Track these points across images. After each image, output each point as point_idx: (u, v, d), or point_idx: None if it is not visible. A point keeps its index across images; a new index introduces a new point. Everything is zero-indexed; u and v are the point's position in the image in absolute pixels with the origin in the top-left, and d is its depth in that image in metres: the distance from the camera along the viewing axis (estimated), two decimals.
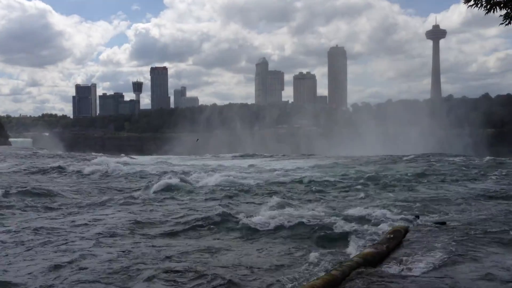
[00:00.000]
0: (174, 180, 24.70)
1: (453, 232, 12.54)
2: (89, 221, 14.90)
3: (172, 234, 13.26)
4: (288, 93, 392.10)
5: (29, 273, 9.64)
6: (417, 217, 14.72)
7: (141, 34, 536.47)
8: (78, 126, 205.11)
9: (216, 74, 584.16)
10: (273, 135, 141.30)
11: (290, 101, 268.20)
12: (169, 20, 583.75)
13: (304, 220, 14.36)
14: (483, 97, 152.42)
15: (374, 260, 9.33)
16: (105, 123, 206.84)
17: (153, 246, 11.83)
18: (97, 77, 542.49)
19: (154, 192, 21.88)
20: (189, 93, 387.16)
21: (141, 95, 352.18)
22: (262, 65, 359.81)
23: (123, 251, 11.23)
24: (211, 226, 14.12)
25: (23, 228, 13.67)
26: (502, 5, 9.75)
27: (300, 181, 26.55)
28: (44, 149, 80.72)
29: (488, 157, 47.35)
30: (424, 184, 25.75)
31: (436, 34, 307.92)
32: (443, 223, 13.91)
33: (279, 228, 13.69)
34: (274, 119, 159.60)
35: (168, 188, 22.91)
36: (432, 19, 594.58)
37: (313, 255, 10.72)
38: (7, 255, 10.95)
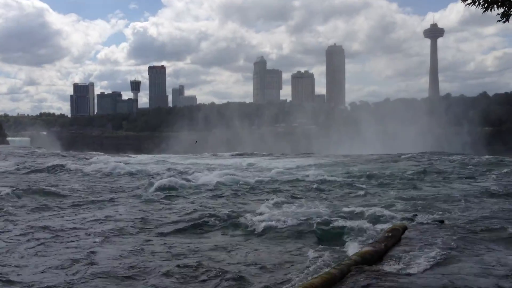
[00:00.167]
0: (174, 179, 24.77)
1: (451, 230, 12.58)
2: (98, 219, 15.06)
3: (174, 232, 13.33)
4: (286, 92, 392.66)
5: (42, 271, 9.78)
6: (415, 215, 14.75)
7: (139, 32, 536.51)
8: (76, 125, 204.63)
9: (214, 73, 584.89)
10: (271, 134, 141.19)
11: (288, 100, 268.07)
12: (167, 18, 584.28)
13: (302, 218, 14.39)
14: (481, 96, 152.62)
15: (372, 258, 9.34)
16: (103, 122, 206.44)
17: (162, 243, 11.99)
18: (95, 76, 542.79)
19: (156, 191, 21.91)
20: (187, 92, 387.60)
21: (139, 94, 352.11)
22: (260, 64, 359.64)
23: (133, 248, 11.44)
24: (211, 225, 14.18)
25: (33, 226, 13.90)
26: (499, 3, 9.77)
27: (299, 180, 26.56)
28: (42, 148, 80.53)
29: (487, 156, 47.48)
30: (423, 182, 25.81)
31: (434, 32, 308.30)
32: (441, 221, 13.95)
33: (277, 226, 13.72)
34: (272, 118, 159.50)
35: (168, 186, 22.95)
36: (430, 18, 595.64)
37: (312, 253, 10.74)
38: (19, 252, 11.11)
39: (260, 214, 15.30)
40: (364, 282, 8.01)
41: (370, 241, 11.20)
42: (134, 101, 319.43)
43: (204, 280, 9.13)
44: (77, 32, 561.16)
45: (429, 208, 16.73)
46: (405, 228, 12.33)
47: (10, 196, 19.44)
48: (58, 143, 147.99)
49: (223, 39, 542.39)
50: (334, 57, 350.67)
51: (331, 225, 13.31)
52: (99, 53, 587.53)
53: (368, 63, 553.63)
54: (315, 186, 24.09)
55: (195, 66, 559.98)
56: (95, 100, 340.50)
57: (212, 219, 14.71)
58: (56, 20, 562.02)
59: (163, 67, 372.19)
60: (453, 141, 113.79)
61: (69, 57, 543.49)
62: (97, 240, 12.21)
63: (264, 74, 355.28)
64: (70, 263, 10.16)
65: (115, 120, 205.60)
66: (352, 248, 11.23)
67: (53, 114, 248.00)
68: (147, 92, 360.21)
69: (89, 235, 12.88)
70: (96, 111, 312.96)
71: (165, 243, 12.03)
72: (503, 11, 9.92)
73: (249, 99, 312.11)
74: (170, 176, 25.72)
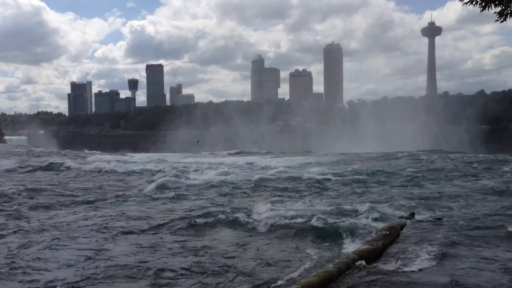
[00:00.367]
0: (173, 178, 25.01)
1: (449, 227, 12.63)
2: (103, 217, 15.25)
3: (175, 231, 13.39)
4: (284, 90, 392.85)
5: (58, 267, 9.96)
6: (413, 214, 14.79)
7: (137, 31, 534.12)
8: (74, 124, 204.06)
9: (212, 72, 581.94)
10: (269, 132, 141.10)
11: (286, 98, 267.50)
12: (164, 17, 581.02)
13: (299, 216, 14.42)
14: (479, 94, 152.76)
15: (370, 256, 9.37)
16: (101, 120, 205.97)
17: (166, 241, 12.12)
18: (92, 74, 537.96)
19: (155, 190, 22.07)
20: (185, 91, 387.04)
21: (137, 92, 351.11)
22: (258, 62, 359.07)
23: (141, 245, 11.65)
24: (211, 223, 14.20)
25: (45, 224, 14.17)
26: (497, 2, 9.77)
27: (298, 178, 26.61)
28: (40, 147, 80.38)
29: (485, 154, 47.69)
30: (421, 180, 25.87)
31: (432, 31, 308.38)
32: (439, 219, 14.00)
33: (275, 224, 13.76)
34: (270, 116, 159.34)
35: (167, 185, 23.14)
36: (427, 16, 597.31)
37: (310, 252, 10.78)
38: (35, 248, 11.33)
39: (259, 212, 15.37)
40: (361, 280, 8.04)
41: (368, 239, 11.24)
42: (132, 99, 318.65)
43: (200, 278, 9.14)
44: (74, 31, 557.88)
45: (427, 206, 16.80)
46: (402, 226, 12.38)
47: (19, 195, 19.76)
48: (56, 142, 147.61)
49: (221, 38, 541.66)
50: (332, 56, 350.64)
51: (329, 223, 13.35)
52: (96, 51, 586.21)
53: (366, 62, 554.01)
54: (313, 184, 24.13)
55: (193, 65, 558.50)
56: (93, 99, 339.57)
57: (211, 217, 14.76)
58: (53, 18, 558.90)
59: (160, 66, 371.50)
60: (451, 139, 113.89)
61: (67, 56, 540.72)
62: (108, 237, 12.47)
63: (262, 73, 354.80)
64: (84, 259, 10.37)
65: (112, 119, 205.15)
66: (350, 246, 11.27)
67: (51, 113, 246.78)
68: (145, 90, 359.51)
69: (99, 232, 13.09)
70: (93, 109, 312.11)
71: (168, 241, 12.15)
72: (501, 10, 9.92)
73: (247, 98, 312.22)
74: (169, 175, 25.85)
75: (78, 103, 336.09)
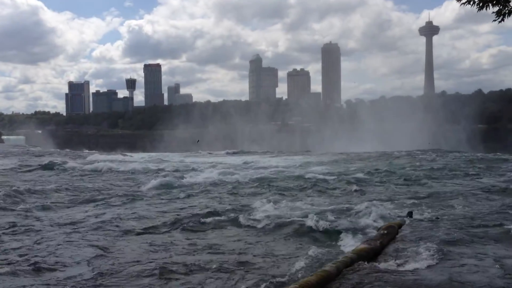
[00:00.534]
0: (171, 177, 25.23)
1: (447, 226, 12.65)
2: (113, 216, 15.45)
3: (174, 230, 13.47)
4: (282, 90, 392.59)
5: (72, 263, 10.16)
6: (411, 213, 14.81)
7: (134, 30, 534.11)
8: (71, 124, 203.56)
9: (210, 71, 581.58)
10: (267, 132, 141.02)
11: (284, 98, 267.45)
12: (162, 16, 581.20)
13: (297, 215, 14.46)
14: (476, 93, 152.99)
15: (368, 255, 9.39)
16: (99, 120, 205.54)
17: (165, 240, 12.19)
18: (90, 74, 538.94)
19: (153, 189, 22.21)
20: (183, 90, 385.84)
21: (135, 92, 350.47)
22: (255, 61, 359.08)
23: (145, 244, 11.79)
24: (209, 223, 14.24)
25: (54, 222, 14.39)
26: (494, 1, 9.78)
27: (296, 177, 26.65)
28: (37, 146, 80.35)
29: (482, 153, 47.76)
30: (419, 179, 25.94)
31: (429, 30, 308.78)
32: (437, 218, 14.03)
33: (274, 224, 13.79)
34: (268, 115, 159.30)
35: (166, 185, 23.31)
36: (425, 16, 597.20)
37: (308, 251, 10.77)
38: (49, 245, 11.58)
39: (258, 211, 15.42)
40: (359, 279, 8.06)
41: (366, 238, 11.25)
42: (130, 99, 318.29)
43: (201, 276, 9.14)
44: (72, 30, 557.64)
45: (425, 205, 16.83)
46: (400, 225, 12.40)
47: (26, 194, 20.01)
48: (53, 141, 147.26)
49: (219, 37, 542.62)
50: (330, 55, 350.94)
51: (327, 222, 13.37)
52: (94, 51, 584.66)
53: (364, 61, 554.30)
54: (312, 183, 24.18)
55: (190, 64, 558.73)
56: (90, 99, 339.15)
57: (212, 216, 14.84)
58: (50, 18, 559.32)
59: (158, 65, 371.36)
60: (449, 138, 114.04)
61: (64, 55, 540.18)
62: (114, 235, 12.71)
63: (260, 72, 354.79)
64: (95, 256, 10.58)
65: (110, 119, 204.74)
66: (348, 245, 11.29)
67: (48, 112, 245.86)
68: (143, 90, 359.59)
69: (107, 230, 13.28)
70: (91, 109, 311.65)
71: (173, 239, 12.29)
72: (498, 10, 9.93)
73: (245, 97, 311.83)
74: (169, 175, 26.06)
75: (75, 102, 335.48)
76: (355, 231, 12.64)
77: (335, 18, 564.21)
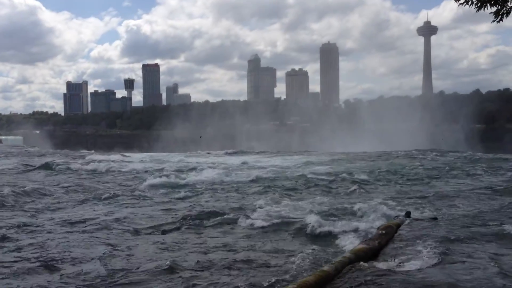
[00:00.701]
0: (169, 178, 25.29)
1: (445, 226, 12.66)
2: (119, 215, 15.58)
3: (171, 231, 13.45)
4: (280, 90, 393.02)
5: (87, 259, 10.33)
6: (409, 213, 14.80)
7: (133, 30, 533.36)
8: (69, 124, 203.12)
9: (208, 71, 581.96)
10: (266, 132, 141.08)
11: (282, 98, 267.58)
12: (160, 16, 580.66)
13: (296, 215, 14.47)
14: (474, 93, 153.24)
15: (366, 256, 9.39)
16: (97, 120, 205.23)
17: (163, 241, 12.11)
18: (88, 74, 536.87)
19: (151, 189, 22.28)
20: (181, 90, 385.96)
21: (133, 92, 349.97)
22: (254, 61, 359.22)
23: (145, 244, 11.86)
24: (207, 223, 14.21)
25: (63, 221, 14.52)
26: (492, 2, 9.79)
27: (294, 177, 26.64)
28: (35, 147, 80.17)
29: (482, 153, 47.84)
30: (418, 179, 25.99)
31: (428, 30, 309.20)
32: (435, 218, 14.03)
33: (273, 223, 13.79)
34: (266, 115, 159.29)
35: (164, 185, 23.36)
36: (423, 16, 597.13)
37: (306, 251, 10.77)
38: (60, 244, 11.67)
39: (256, 211, 15.43)
40: (358, 279, 8.06)
41: (365, 238, 11.25)
42: (128, 99, 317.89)
43: (195, 277, 9.13)
44: (70, 30, 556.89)
45: (423, 205, 16.84)
46: (398, 225, 12.40)
47: (33, 193, 20.16)
48: (51, 141, 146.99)
49: (217, 37, 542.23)
50: (328, 55, 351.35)
51: (325, 222, 13.36)
52: (92, 51, 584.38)
53: (362, 61, 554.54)
54: (310, 183, 24.19)
55: (189, 64, 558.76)
56: (89, 99, 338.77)
57: (209, 217, 14.83)
58: (48, 18, 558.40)
59: (157, 65, 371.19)
60: (447, 138, 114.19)
61: (62, 55, 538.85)
62: (130, 235, 12.83)
63: (258, 72, 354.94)
64: (105, 254, 10.72)
65: (109, 119, 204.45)
66: (347, 245, 11.28)
67: (46, 112, 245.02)
68: (141, 90, 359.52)
69: (122, 231, 13.36)
70: (89, 109, 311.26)
71: (170, 239, 12.35)
72: (496, 10, 9.94)
73: (243, 97, 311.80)
74: (168, 175, 26.06)
75: (73, 102, 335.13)
76: (353, 231, 12.64)
77: (333, 18, 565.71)
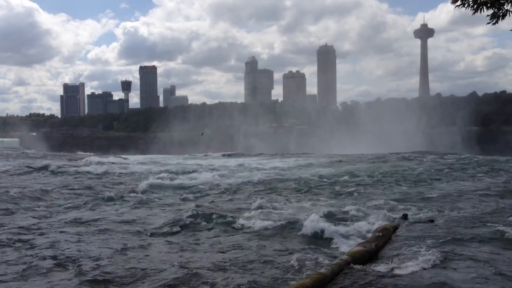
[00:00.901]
0: (166, 180, 25.25)
1: (442, 229, 12.67)
2: (117, 217, 15.73)
3: (167, 233, 13.36)
4: (277, 92, 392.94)
5: (98, 258, 10.51)
6: (406, 215, 14.83)
7: (130, 32, 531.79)
8: (66, 126, 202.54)
9: (205, 73, 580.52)
10: (263, 134, 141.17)
11: (279, 100, 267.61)
12: (158, 18, 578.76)
13: (293, 218, 14.44)
14: (471, 96, 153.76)
15: (363, 258, 9.39)
16: (94, 122, 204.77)
17: (161, 243, 12.02)
18: (85, 76, 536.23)
19: (147, 192, 22.17)
20: (179, 92, 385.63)
21: (130, 94, 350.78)
22: (251, 63, 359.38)
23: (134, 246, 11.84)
24: (203, 225, 14.19)
25: (72, 221, 14.79)
26: (489, 4, 9.83)
27: (291, 180, 26.62)
28: (32, 149, 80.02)
29: (478, 155, 47.99)
30: (415, 181, 26.00)
31: (424, 32, 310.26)
32: (431, 221, 14.05)
33: (269, 226, 13.76)
34: (264, 118, 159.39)
35: (160, 187, 23.31)
36: (420, 18, 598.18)
37: (303, 253, 10.75)
38: (71, 243, 11.98)
39: (252, 214, 15.38)
40: (354, 282, 8.05)
41: (361, 240, 11.24)
42: (125, 101, 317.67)
43: (192, 279, 9.10)
44: (67, 32, 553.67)
45: (420, 207, 16.84)
46: (395, 228, 12.42)
47: (38, 194, 20.44)
48: (48, 144, 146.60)
49: (214, 39, 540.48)
50: (326, 57, 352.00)
51: (322, 224, 13.34)
52: (89, 53, 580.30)
53: (359, 63, 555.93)
54: (307, 185, 24.19)
55: (186, 66, 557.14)
56: (86, 101, 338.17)
57: (205, 219, 14.79)
58: (45, 19, 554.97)
59: (154, 67, 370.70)
60: (444, 140, 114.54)
61: (59, 57, 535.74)
62: (141, 237, 12.99)
63: (256, 74, 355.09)
64: (117, 254, 10.99)
65: (105, 121, 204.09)
66: (344, 248, 11.27)
67: (43, 114, 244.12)
68: (138, 92, 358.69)
69: (133, 232, 13.49)
70: (86, 111, 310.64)
71: (162, 243, 12.25)
72: (493, 13, 9.97)
73: (241, 99, 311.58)
74: (165, 177, 26.07)
75: (70, 104, 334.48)
76: (350, 233, 12.63)
77: (330, 20, 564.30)
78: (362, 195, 20.78)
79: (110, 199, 19.44)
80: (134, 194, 21.10)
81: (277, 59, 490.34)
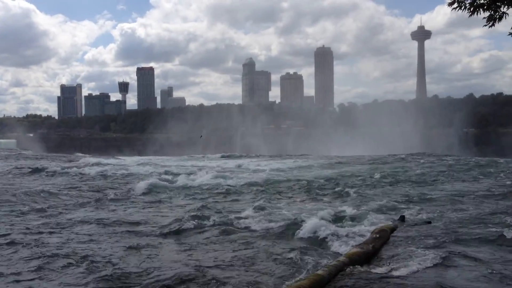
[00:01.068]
0: (163, 181, 25.34)
1: (439, 230, 12.69)
2: (115, 217, 15.77)
3: (163, 235, 13.28)
4: (275, 93, 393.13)
5: (109, 258, 10.65)
6: (403, 216, 14.84)
7: (127, 34, 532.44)
8: (63, 127, 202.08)
9: (203, 75, 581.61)
10: (261, 135, 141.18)
11: (277, 102, 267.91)
12: (155, 20, 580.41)
13: (289, 219, 14.43)
14: (468, 98, 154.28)
15: (360, 259, 9.39)
16: (91, 123, 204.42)
17: (156, 246, 12.01)
18: (82, 77, 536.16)
19: (144, 193, 22.20)
20: (176, 94, 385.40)
21: (127, 95, 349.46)
22: (249, 65, 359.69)
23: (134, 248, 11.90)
24: (200, 227, 14.14)
25: (80, 221, 14.94)
26: (485, 7, 9.89)
27: (288, 181, 26.63)
28: (29, 150, 79.85)
29: (477, 157, 48.10)
30: (413, 183, 26.02)
31: (421, 34, 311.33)
32: (429, 222, 14.07)
33: (265, 228, 13.75)
34: (261, 119, 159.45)
35: (157, 189, 23.27)
36: (417, 20, 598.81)
37: (299, 255, 10.75)
38: (82, 241, 12.31)
39: (251, 215, 15.40)
40: (352, 283, 8.06)
41: (359, 242, 11.25)
42: (122, 102, 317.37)
43: (200, 277, 9.10)
44: (64, 33, 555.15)
45: (418, 209, 16.86)
46: (393, 229, 12.43)
47: (46, 195, 20.78)
48: (45, 145, 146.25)
49: (212, 41, 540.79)
50: (323, 59, 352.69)
51: (320, 225, 13.33)
52: (86, 54, 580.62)
53: (356, 65, 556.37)
54: (306, 187, 24.19)
55: (183, 68, 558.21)
56: (83, 102, 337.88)
57: (207, 220, 14.80)
58: (42, 20, 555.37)
59: (151, 69, 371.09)
60: (441, 142, 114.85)
61: (56, 58, 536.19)
62: (152, 239, 12.98)
63: (253, 76, 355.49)
64: (132, 250, 11.36)
65: (103, 122, 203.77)
66: (341, 249, 11.27)
67: (40, 115, 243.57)
68: (136, 93, 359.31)
69: (140, 233, 13.61)
70: (83, 112, 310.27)
71: (169, 243, 12.38)
72: (489, 15, 10.04)
73: (238, 101, 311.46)
74: (157, 179, 26.04)
75: (68, 106, 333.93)
76: (348, 234, 12.63)
77: (328, 22, 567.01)
78: (360, 197, 20.78)
79: (114, 200, 19.74)
80: (137, 194, 21.39)
81: (274, 60, 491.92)
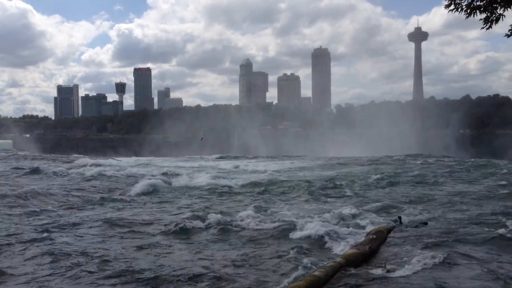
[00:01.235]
0: (160, 182, 25.21)
1: (436, 232, 12.72)
2: (115, 218, 15.78)
3: (160, 236, 13.29)
4: (272, 94, 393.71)
5: (118, 257, 10.82)
6: (400, 218, 14.86)
7: (124, 34, 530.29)
8: (60, 128, 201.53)
9: (200, 75, 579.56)
10: (258, 136, 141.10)
11: (274, 103, 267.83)
12: (152, 20, 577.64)
13: (286, 220, 14.44)
14: (464, 99, 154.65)
15: (356, 260, 9.40)
16: (88, 124, 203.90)
17: (154, 246, 12.02)
18: (79, 77, 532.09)
19: (141, 194, 22.18)
20: (173, 94, 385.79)
21: (124, 96, 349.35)
22: (246, 66, 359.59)
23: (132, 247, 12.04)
24: (197, 228, 14.14)
25: (87, 221, 15.13)
26: (482, 9, 9.91)
27: (285, 182, 26.63)
28: (25, 151, 79.54)
29: (473, 158, 48.21)
30: (410, 184, 26.06)
31: (418, 36, 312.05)
32: (425, 223, 14.09)
33: (262, 229, 13.76)
34: (258, 120, 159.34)
35: (154, 190, 23.26)
36: (414, 21, 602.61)
37: (296, 256, 10.75)
38: (91, 241, 12.43)
39: (245, 217, 15.38)
40: (348, 284, 8.06)
41: (355, 243, 11.25)
42: (119, 103, 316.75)
43: (191, 282, 9.08)
44: (61, 34, 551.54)
45: (415, 210, 16.90)
46: (389, 230, 12.45)
47: (49, 196, 20.75)
48: (41, 145, 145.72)
49: (209, 41, 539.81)
50: (320, 60, 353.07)
51: (317, 226, 13.34)
52: (83, 54, 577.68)
53: (353, 66, 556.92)
54: (304, 188, 24.18)
55: (181, 68, 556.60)
56: (80, 102, 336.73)
57: (205, 221, 14.80)
58: (39, 21, 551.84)
59: (148, 69, 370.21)
60: (438, 143, 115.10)
61: (53, 59, 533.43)
62: (157, 237, 13.24)
63: (250, 77, 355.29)
64: (138, 249, 11.60)
65: (99, 123, 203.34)
66: (337, 250, 11.28)
67: (37, 116, 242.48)
68: (133, 94, 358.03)
69: (147, 233, 13.74)
70: (80, 113, 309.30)
71: (155, 246, 12.21)
72: (486, 17, 10.06)
73: (235, 102, 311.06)
74: (156, 180, 26.00)
75: (64, 106, 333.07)
76: (345, 235, 12.64)
77: (325, 23, 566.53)
78: (357, 198, 20.82)
79: (118, 200, 19.92)
80: (140, 195, 21.66)
81: (271, 61, 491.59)
